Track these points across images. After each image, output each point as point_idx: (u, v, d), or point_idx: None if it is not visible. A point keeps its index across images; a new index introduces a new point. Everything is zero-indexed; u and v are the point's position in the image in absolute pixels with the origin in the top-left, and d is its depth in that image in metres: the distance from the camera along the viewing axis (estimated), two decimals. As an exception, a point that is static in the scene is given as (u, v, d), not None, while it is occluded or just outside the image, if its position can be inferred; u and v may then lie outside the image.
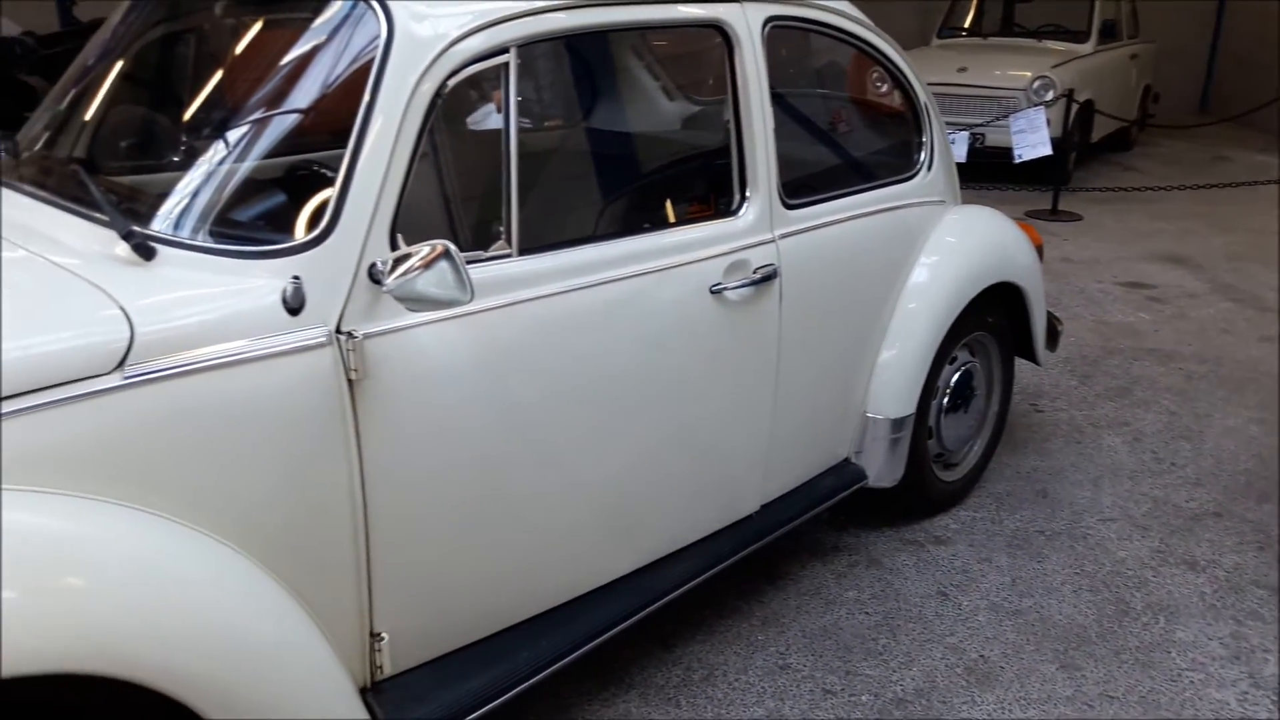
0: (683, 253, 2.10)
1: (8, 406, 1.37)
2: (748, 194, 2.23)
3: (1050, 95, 7.31)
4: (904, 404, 2.72)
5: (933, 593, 2.75)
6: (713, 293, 2.13)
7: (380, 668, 1.81)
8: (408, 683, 1.86)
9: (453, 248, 1.55)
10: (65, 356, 1.42)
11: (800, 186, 2.38)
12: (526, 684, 1.97)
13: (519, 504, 1.93)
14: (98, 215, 1.70)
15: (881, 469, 2.76)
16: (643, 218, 2.28)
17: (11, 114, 7.33)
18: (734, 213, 2.22)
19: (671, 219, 2.36)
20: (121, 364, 1.45)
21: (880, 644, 2.54)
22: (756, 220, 2.24)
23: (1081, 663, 2.48)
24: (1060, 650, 2.52)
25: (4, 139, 2.13)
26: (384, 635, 1.80)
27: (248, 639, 1.50)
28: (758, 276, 2.21)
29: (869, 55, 2.70)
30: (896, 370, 2.71)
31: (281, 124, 1.85)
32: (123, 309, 1.48)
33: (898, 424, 2.72)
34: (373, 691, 1.81)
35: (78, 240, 1.69)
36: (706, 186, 2.46)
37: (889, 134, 3.06)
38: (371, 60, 1.70)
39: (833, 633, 2.58)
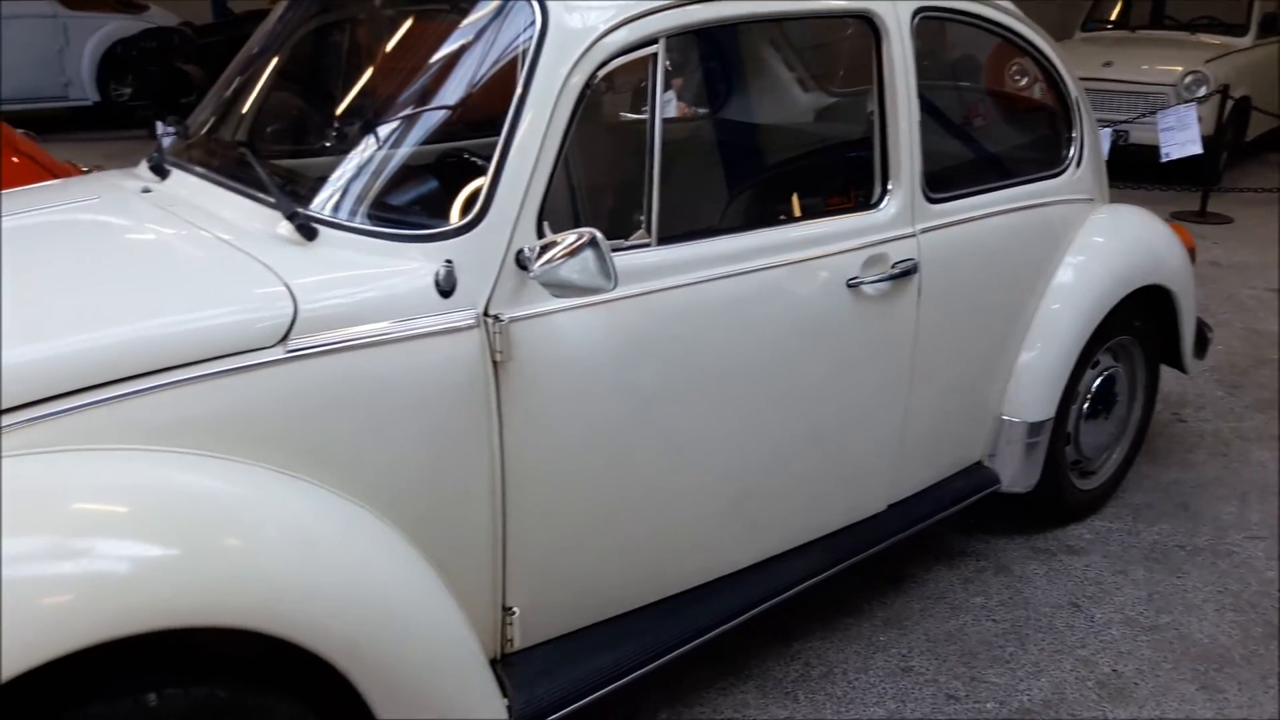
0: (820, 245, 2.08)
1: (181, 374, 1.46)
2: (889, 186, 2.20)
3: (1203, 91, 6.94)
4: (1043, 408, 2.64)
5: (1064, 603, 2.66)
6: (849, 286, 2.11)
7: (510, 641, 1.87)
8: (535, 657, 1.90)
9: (599, 235, 1.57)
10: (235, 329, 1.50)
11: (943, 180, 2.33)
12: (648, 667, 1.99)
13: (648, 489, 1.95)
14: (264, 196, 1.79)
15: (1016, 474, 2.69)
16: (779, 209, 2.28)
17: (169, 99, 7.78)
18: (874, 205, 2.20)
19: (809, 211, 2.35)
20: (285, 338, 1.52)
21: (1007, 652, 2.48)
22: (898, 214, 2.20)
23: (1223, 685, 2.36)
24: (1200, 670, 2.41)
25: (175, 124, 2.26)
26: (515, 610, 1.84)
27: (391, 605, 1.56)
28: (896, 271, 2.17)
29: (1019, 47, 2.62)
30: (1036, 373, 2.63)
31: (434, 113, 1.91)
32: (288, 286, 1.56)
33: (1035, 428, 2.64)
34: (502, 663, 1.87)
35: (245, 219, 1.79)
36: (845, 179, 2.43)
37: (1034, 128, 2.97)
38: (524, 52, 1.74)
39: (957, 638, 2.53)
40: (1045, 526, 2.99)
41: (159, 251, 1.76)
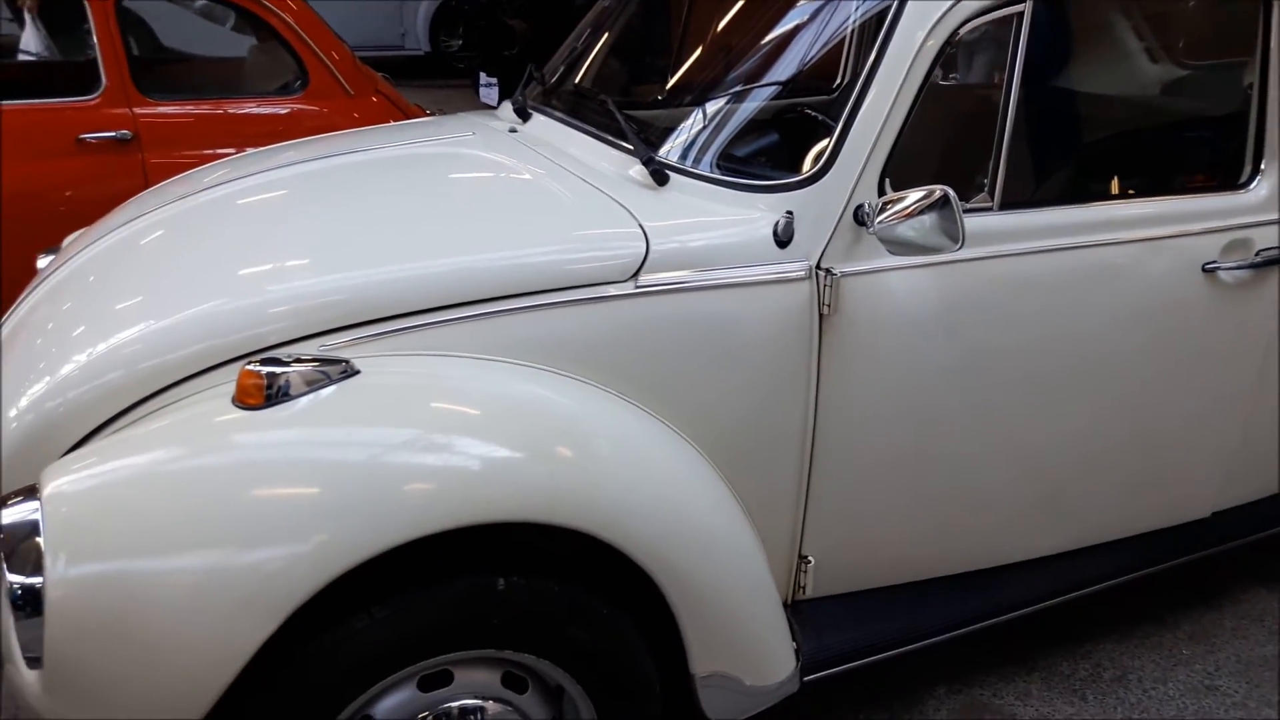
0: (1173, 224, 1.95)
1: (541, 300, 1.60)
2: (1262, 167, 2.02)
3: None
4: None
5: None
6: (1205, 271, 1.96)
7: (803, 588, 1.91)
8: (825, 608, 1.94)
9: (951, 194, 1.56)
10: (593, 263, 1.63)
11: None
12: (935, 639, 1.98)
13: (956, 457, 1.93)
14: (620, 142, 1.91)
15: (1370, 499, 2.40)
16: (1129, 184, 2.14)
17: (493, 52, 8.33)
18: (1241, 186, 2.02)
19: (1160, 188, 2.19)
20: (635, 275, 1.63)
21: (1335, 691, 2.25)
22: (1269, 197, 2.02)
23: None
24: None
25: (534, 71, 2.44)
26: (810, 559, 1.89)
27: (703, 531, 1.64)
28: (1260, 260, 2.00)
29: None
30: None
31: (783, 68, 1.95)
32: (641, 227, 1.67)
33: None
34: (791, 608, 1.92)
35: (600, 162, 1.92)
36: (1204, 156, 2.25)
37: None
38: (883, 13, 1.74)
39: (1275, 665, 2.32)
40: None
41: (526, 186, 1.93)
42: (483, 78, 7.86)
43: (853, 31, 1.97)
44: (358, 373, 1.47)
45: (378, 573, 1.40)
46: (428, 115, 3.91)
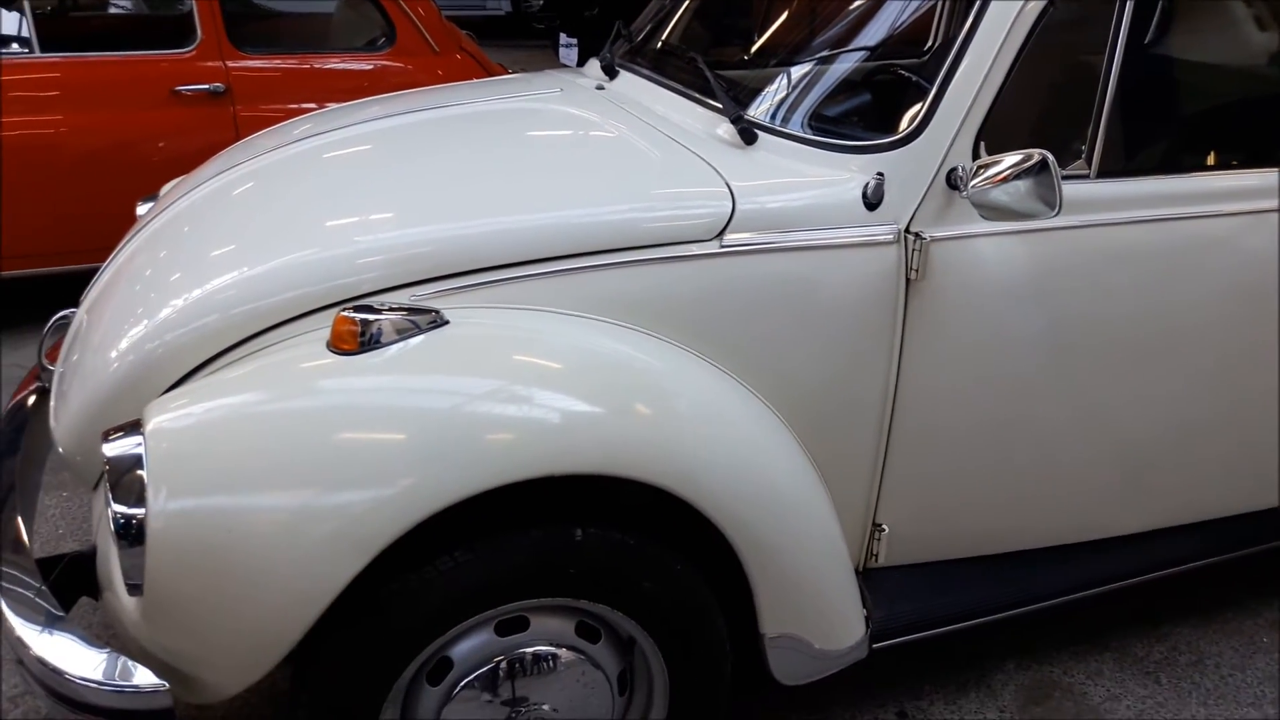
0: (1275, 198, 1.88)
1: (626, 256, 1.60)
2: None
3: None
4: None
5: None
6: (1315, 247, 1.89)
7: (875, 556, 1.91)
8: (897, 576, 1.93)
9: (1050, 158, 1.52)
10: (678, 221, 1.62)
11: None
12: (1007, 613, 1.96)
13: (1039, 431, 1.89)
14: (708, 100, 1.89)
15: None
16: (1231, 155, 2.06)
17: (574, 12, 8.30)
18: (1353, 161, 1.93)
19: (1265, 161, 2.11)
20: (720, 234, 1.62)
21: None
22: (1380, 172, 1.93)
23: None
24: None
25: (622, 29, 2.43)
26: (885, 527, 1.88)
27: (778, 493, 1.64)
28: (1376, 238, 1.91)
29: None
30: None
31: (874, 28, 1.92)
32: (728, 185, 1.66)
33: None
34: (863, 575, 1.91)
35: (687, 120, 1.91)
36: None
37: None
38: None
39: (1362, 658, 2.26)
40: None
41: (613, 143, 1.92)
42: (563, 38, 7.86)
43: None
44: (446, 323, 1.50)
45: (460, 518, 1.43)
46: (509, 74, 3.93)
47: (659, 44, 2.33)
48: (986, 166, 1.59)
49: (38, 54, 3.53)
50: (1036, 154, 1.53)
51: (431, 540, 1.44)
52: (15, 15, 3.81)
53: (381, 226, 1.69)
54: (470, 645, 1.55)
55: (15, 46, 3.64)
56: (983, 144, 1.68)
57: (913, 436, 1.80)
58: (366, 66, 3.95)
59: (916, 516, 1.89)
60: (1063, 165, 1.75)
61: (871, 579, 1.91)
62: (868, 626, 1.79)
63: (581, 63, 2.45)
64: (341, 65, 3.96)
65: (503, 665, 1.57)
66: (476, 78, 3.95)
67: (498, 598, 1.50)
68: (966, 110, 1.66)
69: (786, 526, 1.64)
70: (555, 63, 8.11)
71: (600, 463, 1.48)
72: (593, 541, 1.52)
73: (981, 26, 1.66)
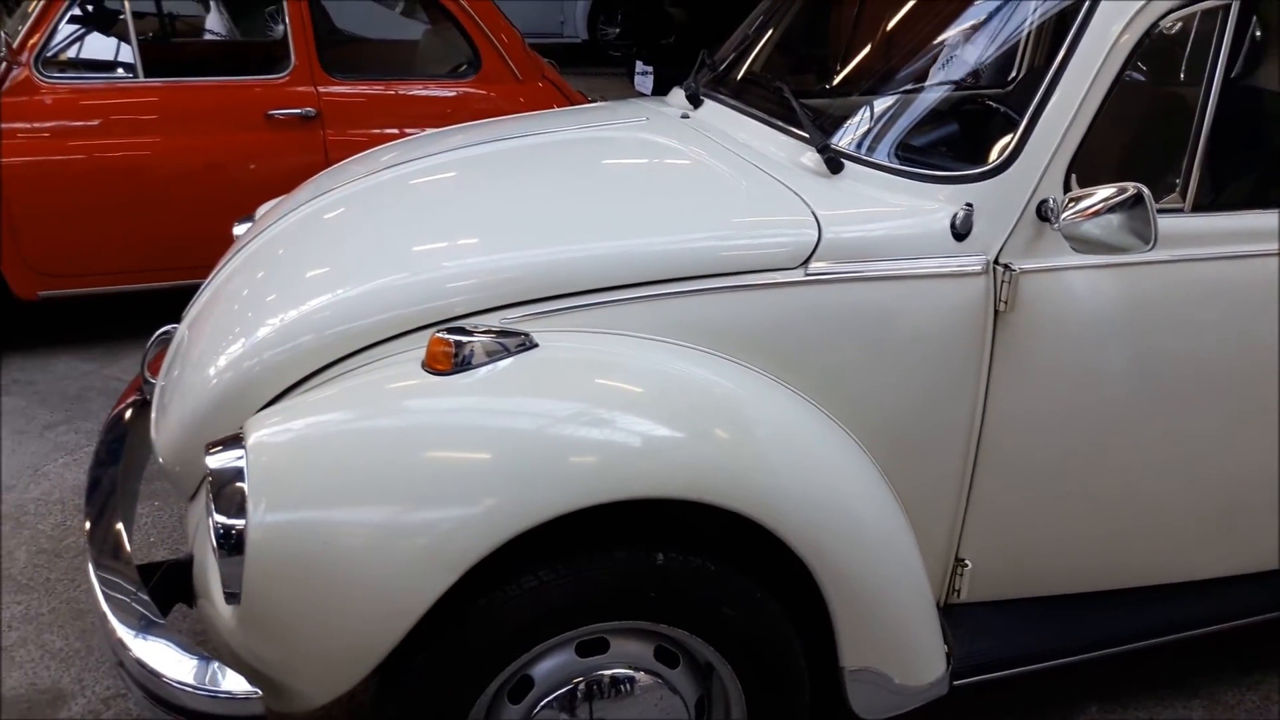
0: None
1: (710, 284, 1.62)
2: None
3: None
4: None
5: None
6: None
7: (957, 591, 1.88)
8: (979, 613, 1.90)
9: (1146, 192, 1.50)
10: (764, 249, 1.63)
11: None
12: (1087, 655, 1.92)
13: (1128, 468, 1.85)
14: (793, 129, 1.91)
15: None
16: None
17: (650, 40, 8.40)
18: None
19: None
20: (806, 262, 1.63)
21: None
22: None
23: None
24: None
25: (706, 58, 2.45)
26: (968, 562, 1.85)
27: (858, 523, 1.63)
28: None
29: None
30: None
31: (963, 58, 1.91)
32: (814, 214, 1.66)
33: None
34: (944, 610, 1.89)
35: (771, 149, 1.92)
36: None
37: None
38: (1077, 6, 1.68)
39: None
40: None
41: (700, 171, 1.95)
42: (639, 66, 7.93)
43: (1034, 22, 1.91)
44: (536, 346, 1.52)
45: (543, 538, 1.45)
46: (589, 102, 3.99)
47: (743, 73, 2.35)
48: (1078, 199, 1.57)
49: (141, 79, 3.69)
50: (1131, 188, 1.51)
51: (516, 558, 1.46)
52: (115, 41, 3.99)
53: (472, 251, 1.73)
54: (551, 665, 1.57)
55: (121, 72, 3.81)
56: (1074, 176, 1.66)
57: (998, 470, 1.78)
58: (448, 94, 4.05)
59: (1000, 552, 1.86)
60: (1156, 199, 1.72)
61: (953, 614, 1.89)
62: (949, 663, 1.76)
63: (657, 90, 2.48)
64: (425, 92, 4.06)
65: (582, 686, 1.58)
66: (557, 105, 4.02)
67: (579, 618, 1.52)
68: (1058, 142, 1.64)
69: (869, 557, 1.63)
70: (630, 90, 8.20)
71: (682, 487, 1.49)
72: (674, 566, 1.53)
73: (1074, 58, 1.65)
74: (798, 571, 1.60)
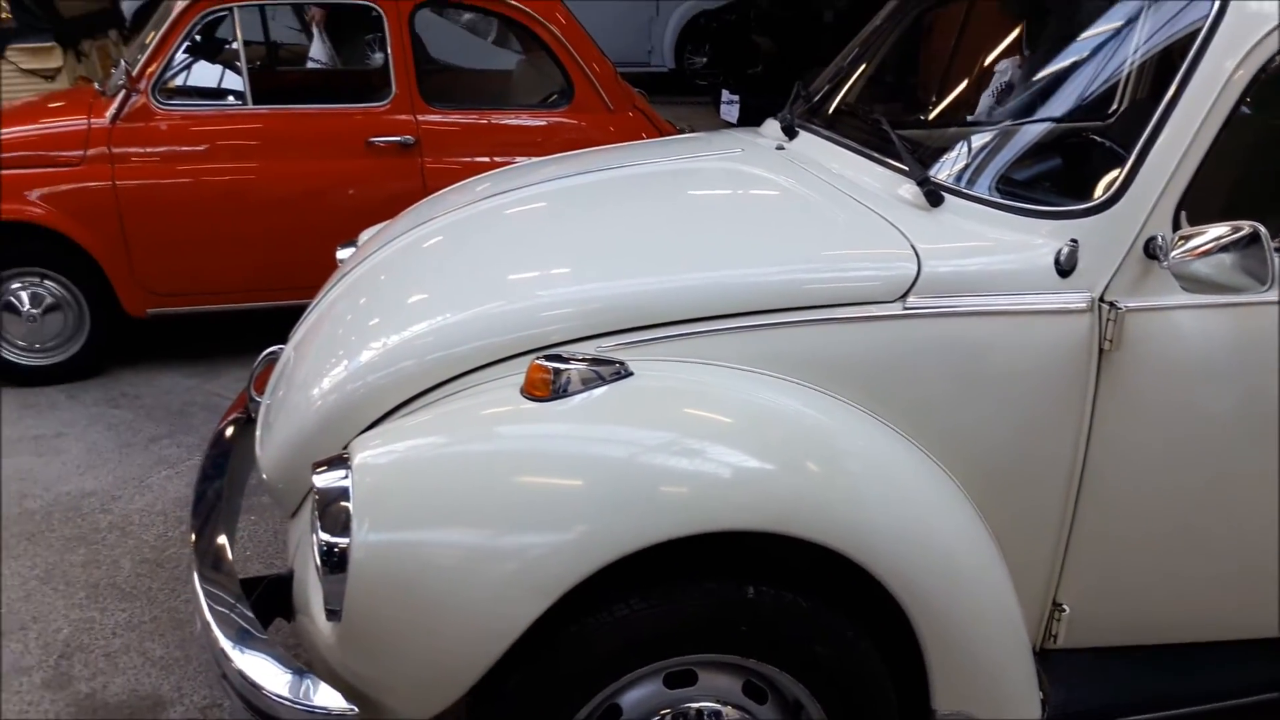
0: None
1: (806, 315, 1.61)
2: None
3: None
4: None
5: None
6: None
7: (1054, 636, 1.83)
8: (1076, 660, 1.84)
9: (1263, 231, 1.46)
10: (861, 282, 1.63)
11: None
12: (1190, 709, 1.84)
13: (1235, 514, 1.78)
14: (890, 161, 1.90)
15: None
16: None
17: (738, 69, 8.44)
18: None
19: None
20: (904, 296, 1.61)
21: None
22: None
23: None
24: None
25: (800, 89, 2.46)
26: (1066, 607, 1.80)
27: (953, 561, 1.59)
28: None
29: None
30: None
31: (1065, 91, 1.88)
32: (914, 247, 1.65)
33: None
34: (1039, 656, 1.83)
35: (868, 181, 1.91)
36: None
37: None
38: (1189, 39, 1.64)
39: None
40: None
41: (796, 203, 1.95)
42: (725, 94, 7.98)
43: (1141, 55, 1.87)
44: (630, 375, 1.54)
45: (633, 567, 1.46)
46: (679, 131, 4.02)
47: (837, 104, 2.35)
48: (1189, 237, 1.53)
49: (250, 106, 3.84)
50: (1247, 226, 1.47)
51: (607, 586, 1.47)
52: (224, 69, 4.16)
53: (567, 280, 1.76)
54: (639, 695, 1.57)
55: (231, 99, 3.97)
56: (1183, 213, 1.62)
57: (1100, 513, 1.73)
58: (541, 123, 4.12)
59: (1100, 597, 1.81)
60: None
61: (1049, 660, 1.83)
62: (1044, 710, 1.71)
63: (742, 119, 2.50)
64: (518, 121, 4.14)
65: (669, 718, 1.58)
66: (647, 135, 4.06)
67: (669, 649, 1.52)
68: (1168, 178, 1.60)
69: (964, 596, 1.60)
70: (716, 119, 8.24)
71: (772, 520, 1.49)
72: (765, 600, 1.52)
73: (1186, 92, 1.61)
74: (890, 609, 1.58)
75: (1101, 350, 1.63)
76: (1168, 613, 1.87)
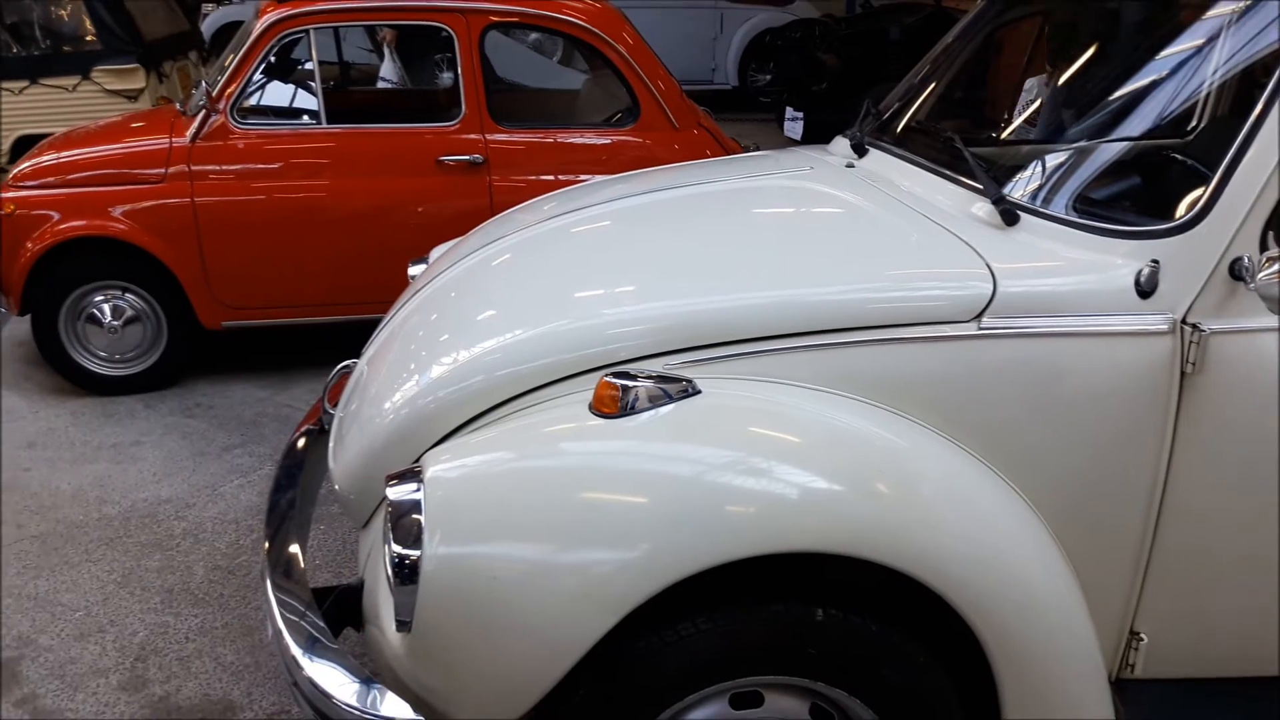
0: None
1: (879, 335, 1.60)
2: None
3: None
4: None
5: None
6: None
7: (1131, 666, 1.78)
8: (1154, 691, 1.79)
9: (1359, 254, 1.41)
10: (935, 301, 1.61)
11: None
12: (1273, 744, 1.78)
13: (1325, 545, 1.72)
14: (965, 179, 1.87)
15: None
16: None
17: (802, 87, 8.42)
18: None
19: None
20: (979, 316, 1.59)
21: None
22: None
23: None
24: None
25: (870, 107, 2.44)
26: (1143, 636, 1.75)
27: (1027, 586, 1.56)
28: None
29: None
30: None
31: (1146, 107, 1.84)
32: (989, 267, 1.63)
33: None
34: (1115, 685, 1.79)
35: (941, 199, 1.89)
36: None
37: None
38: (1276, 53, 1.60)
39: None
40: None
41: (867, 221, 1.93)
42: (789, 112, 7.97)
43: (1224, 71, 1.83)
44: (698, 393, 1.54)
45: (700, 586, 1.45)
46: (745, 149, 4.02)
47: (908, 121, 2.33)
48: (1277, 259, 1.49)
49: (324, 125, 3.93)
50: (1342, 247, 1.42)
51: (674, 604, 1.47)
52: (297, 89, 4.27)
53: (635, 298, 1.76)
54: (705, 715, 1.56)
55: (305, 119, 4.07)
56: (1271, 233, 1.57)
57: (1183, 539, 1.68)
58: (607, 141, 4.14)
59: (1180, 627, 1.75)
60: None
61: (1125, 691, 1.78)
62: (1119, 741, 1.67)
63: (806, 136, 2.49)
64: (584, 140, 4.17)
65: (733, 739, 1.57)
66: (712, 153, 4.06)
67: (735, 670, 1.51)
68: (1255, 199, 1.56)
69: (1039, 622, 1.56)
70: (780, 136, 8.22)
71: (842, 542, 1.47)
72: (834, 623, 1.50)
73: (1274, 110, 1.57)
74: (960, 634, 1.55)
75: (1183, 373, 1.59)
76: (1249, 644, 1.80)
